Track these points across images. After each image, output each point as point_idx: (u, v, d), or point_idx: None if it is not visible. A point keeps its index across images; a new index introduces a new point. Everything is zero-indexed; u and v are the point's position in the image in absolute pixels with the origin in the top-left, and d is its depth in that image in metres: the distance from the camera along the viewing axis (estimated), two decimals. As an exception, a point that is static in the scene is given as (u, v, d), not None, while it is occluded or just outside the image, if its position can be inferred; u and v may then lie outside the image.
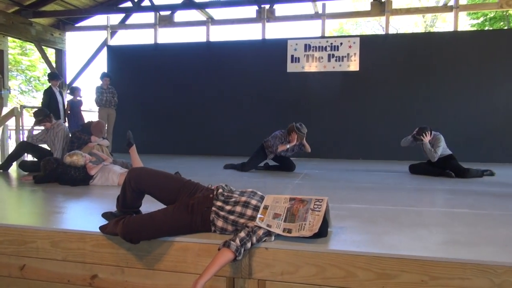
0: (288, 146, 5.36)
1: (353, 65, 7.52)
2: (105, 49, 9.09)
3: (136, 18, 10.37)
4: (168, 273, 2.19)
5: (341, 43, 7.59)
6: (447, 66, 7.24)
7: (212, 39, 8.60)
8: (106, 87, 7.55)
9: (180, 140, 8.32)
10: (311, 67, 7.67)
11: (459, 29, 7.68)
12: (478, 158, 6.75)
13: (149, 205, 2.50)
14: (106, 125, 7.34)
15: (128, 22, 9.38)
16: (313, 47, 7.66)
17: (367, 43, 7.57)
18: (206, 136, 8.16)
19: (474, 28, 14.04)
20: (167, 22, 8.80)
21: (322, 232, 2.05)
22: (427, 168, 5.28)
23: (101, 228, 2.27)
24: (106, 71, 8.44)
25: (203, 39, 8.63)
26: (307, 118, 7.67)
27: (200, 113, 8.22)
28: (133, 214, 2.37)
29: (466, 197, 3.62)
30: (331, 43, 7.62)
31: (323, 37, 7.85)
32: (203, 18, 8.66)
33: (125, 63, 8.75)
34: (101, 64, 9.20)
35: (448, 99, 7.19)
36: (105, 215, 2.49)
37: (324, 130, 7.58)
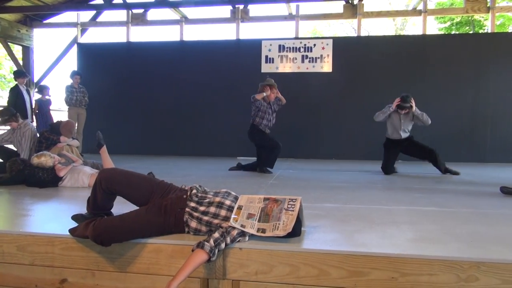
0: (264, 94, 5.37)
1: (327, 66, 7.62)
2: (75, 47, 8.85)
3: (107, 15, 10.16)
4: (141, 275, 2.16)
5: (314, 45, 7.68)
6: (416, 68, 7.45)
7: (186, 38, 8.53)
8: (76, 86, 7.35)
9: (153, 140, 8.21)
10: (285, 67, 7.73)
11: (428, 32, 7.92)
12: (446, 158, 6.95)
13: (121, 206, 2.45)
14: (76, 125, 7.16)
15: (99, 19, 9.16)
16: (287, 48, 7.72)
17: (340, 44, 7.69)
18: (180, 136, 8.08)
19: (442, 32, 14.51)
20: (140, 20, 8.66)
21: (296, 231, 2.07)
22: (393, 156, 5.48)
23: (70, 230, 2.21)
24: (76, 69, 8.22)
25: (177, 38, 8.55)
26: (281, 119, 7.73)
27: (174, 113, 8.13)
28: (104, 216, 2.32)
29: (434, 195, 3.74)
30: (305, 44, 7.70)
31: (296, 38, 7.92)
32: (176, 17, 8.57)
33: (96, 62, 8.55)
34: (71, 62, 8.95)
35: (417, 100, 7.37)
36: (75, 218, 2.42)
37: (297, 130, 7.66)
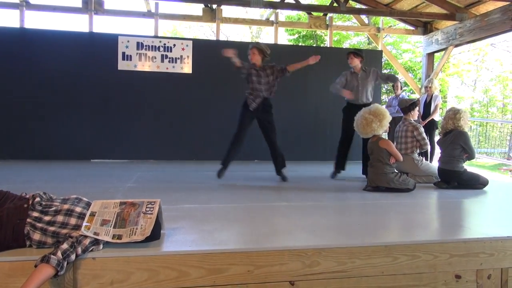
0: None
1: (187, 68, 7.64)
2: None
3: None
4: (-33, 302, 1.82)
5: (174, 45, 7.61)
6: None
7: (28, 25, 7.50)
8: None
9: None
10: (144, 66, 7.47)
11: (279, 42, 8.64)
12: (293, 157, 7.68)
13: None
14: None
15: None
16: (146, 45, 7.47)
17: (200, 47, 7.79)
18: (17, 138, 7.03)
19: (291, 43, 16.03)
20: (-35, -1, 7.27)
21: (155, 235, 2.03)
22: None
23: None
24: None
25: (16, 24, 7.45)
26: (139, 118, 7.45)
27: (9, 111, 7.04)
28: None
29: (282, 192, 4.12)
30: (165, 44, 7.57)
31: (156, 36, 7.74)
32: (15, 0, 7.47)
33: None
34: None
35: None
36: None
37: (157, 130, 7.49)
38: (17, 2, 7.46)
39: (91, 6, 7.53)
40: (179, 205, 3.23)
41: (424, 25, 9.03)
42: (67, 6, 7.90)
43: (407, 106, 5.03)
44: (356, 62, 5.29)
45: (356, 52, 5.32)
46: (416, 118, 5.19)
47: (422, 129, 4.95)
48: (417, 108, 5.14)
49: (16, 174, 5.10)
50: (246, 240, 2.25)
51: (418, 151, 4.98)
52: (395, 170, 4.30)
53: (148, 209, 2.05)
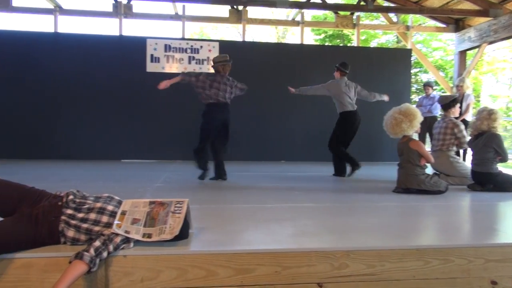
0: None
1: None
2: None
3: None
4: (6, 295, 1.90)
5: (201, 46, 7.70)
6: (294, 74, 7.97)
7: (61, 30, 7.76)
8: None
9: (21, 143, 7.25)
10: (172, 68, 7.59)
11: (305, 42, 8.58)
12: (317, 157, 7.60)
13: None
14: None
15: None
16: (173, 48, 7.59)
17: (226, 48, 7.83)
18: (54, 139, 7.29)
19: (317, 43, 15.89)
20: (3, 6, 7.60)
21: (183, 234, 2.05)
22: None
23: None
24: None
25: (50, 29, 7.73)
26: (168, 119, 7.57)
27: (46, 113, 7.31)
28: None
29: (310, 193, 4.08)
30: (192, 46, 7.67)
31: (183, 39, 7.85)
32: (49, 5, 7.75)
33: None
34: None
35: (294, 103, 7.93)
36: None
37: (184, 131, 7.57)
38: (51, 8, 7.75)
39: (121, 10, 7.73)
40: (207, 204, 3.26)
41: (455, 22, 8.76)
42: (98, 10, 8.14)
43: (448, 102, 4.85)
44: (336, 76, 5.63)
45: (336, 66, 5.61)
46: (457, 115, 4.99)
47: (463, 127, 4.74)
48: (458, 104, 4.95)
49: (51, 173, 5.29)
50: (273, 241, 2.24)
51: (455, 149, 4.81)
52: (426, 172, 4.18)
53: (176, 208, 2.08)
